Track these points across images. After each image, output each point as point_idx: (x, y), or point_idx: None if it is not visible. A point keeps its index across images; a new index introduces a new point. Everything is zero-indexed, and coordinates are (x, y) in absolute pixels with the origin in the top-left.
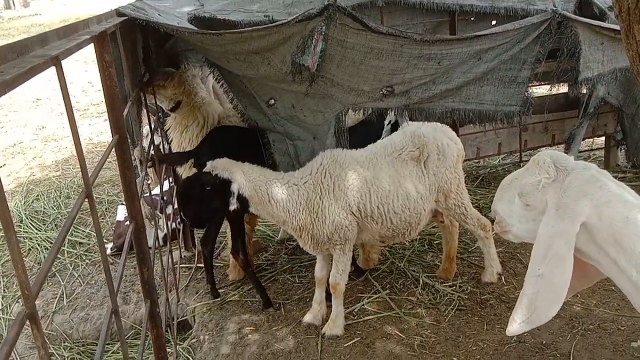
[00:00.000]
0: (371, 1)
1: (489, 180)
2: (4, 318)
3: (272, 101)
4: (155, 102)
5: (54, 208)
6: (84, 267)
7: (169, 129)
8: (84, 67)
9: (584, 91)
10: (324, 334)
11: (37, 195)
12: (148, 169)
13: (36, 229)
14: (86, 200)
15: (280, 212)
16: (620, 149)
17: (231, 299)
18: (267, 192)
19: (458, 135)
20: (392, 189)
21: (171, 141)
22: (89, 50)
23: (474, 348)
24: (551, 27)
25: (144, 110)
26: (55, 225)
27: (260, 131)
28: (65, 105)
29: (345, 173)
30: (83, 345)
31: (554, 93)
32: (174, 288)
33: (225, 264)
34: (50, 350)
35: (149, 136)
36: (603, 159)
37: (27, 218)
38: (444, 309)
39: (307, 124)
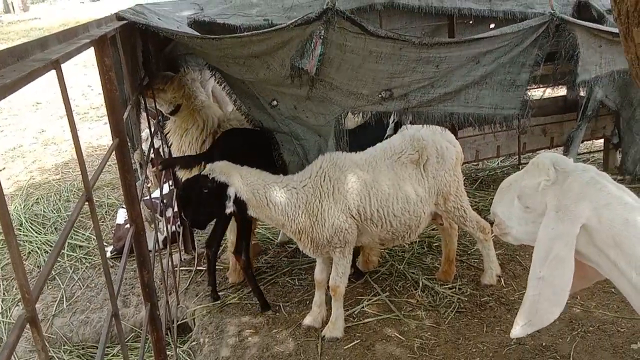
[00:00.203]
0: (370, 5)
1: (488, 182)
2: (4, 321)
3: (275, 102)
4: (155, 106)
5: (54, 211)
6: (84, 270)
7: (168, 132)
8: (83, 71)
9: (582, 94)
10: (323, 336)
11: (37, 198)
12: (148, 172)
13: (36, 232)
14: (86, 203)
15: (279, 215)
16: (618, 152)
17: (231, 302)
18: (265, 195)
19: (457, 138)
20: (392, 192)
21: (171, 144)
22: (89, 54)
23: (474, 350)
24: (549, 30)
25: (144, 114)
26: (55, 228)
27: (269, 132)
28: (65, 108)
29: (345, 176)
30: (83, 349)
31: (552, 96)
32: (174, 291)
33: (225, 266)
34: (50, 354)
35: (149, 139)
36: (602, 161)
37: (27, 221)
38: (443, 311)
39: (310, 124)
